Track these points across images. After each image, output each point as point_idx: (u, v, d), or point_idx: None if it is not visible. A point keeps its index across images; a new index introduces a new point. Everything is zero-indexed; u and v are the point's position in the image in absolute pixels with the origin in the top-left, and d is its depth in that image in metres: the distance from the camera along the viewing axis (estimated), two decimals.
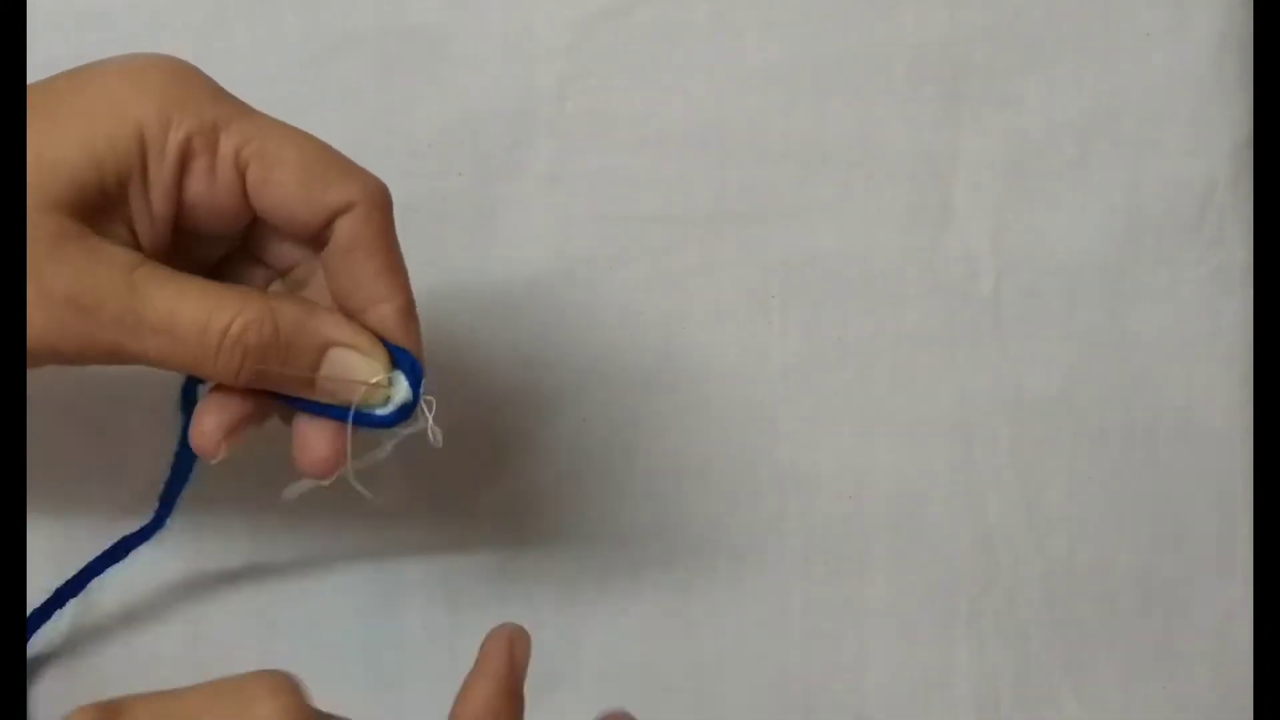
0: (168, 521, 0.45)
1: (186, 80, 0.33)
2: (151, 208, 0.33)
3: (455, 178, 0.50)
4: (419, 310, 0.38)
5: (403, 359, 0.36)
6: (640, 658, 0.51)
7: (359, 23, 0.50)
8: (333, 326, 0.34)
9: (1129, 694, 0.52)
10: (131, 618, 0.49)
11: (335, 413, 0.35)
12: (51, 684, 0.49)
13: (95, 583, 0.48)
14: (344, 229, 0.34)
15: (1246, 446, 0.53)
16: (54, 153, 0.32)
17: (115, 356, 0.33)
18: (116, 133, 0.32)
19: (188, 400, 0.37)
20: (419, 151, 0.50)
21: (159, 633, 0.49)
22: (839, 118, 0.52)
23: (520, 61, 0.51)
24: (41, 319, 0.32)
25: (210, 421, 0.35)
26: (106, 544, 0.47)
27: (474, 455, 0.51)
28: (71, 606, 0.48)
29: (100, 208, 0.33)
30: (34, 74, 0.46)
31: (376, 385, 0.35)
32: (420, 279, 0.50)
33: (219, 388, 0.35)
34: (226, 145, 0.33)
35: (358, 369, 0.35)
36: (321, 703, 0.50)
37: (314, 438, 0.36)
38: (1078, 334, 0.53)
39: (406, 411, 0.36)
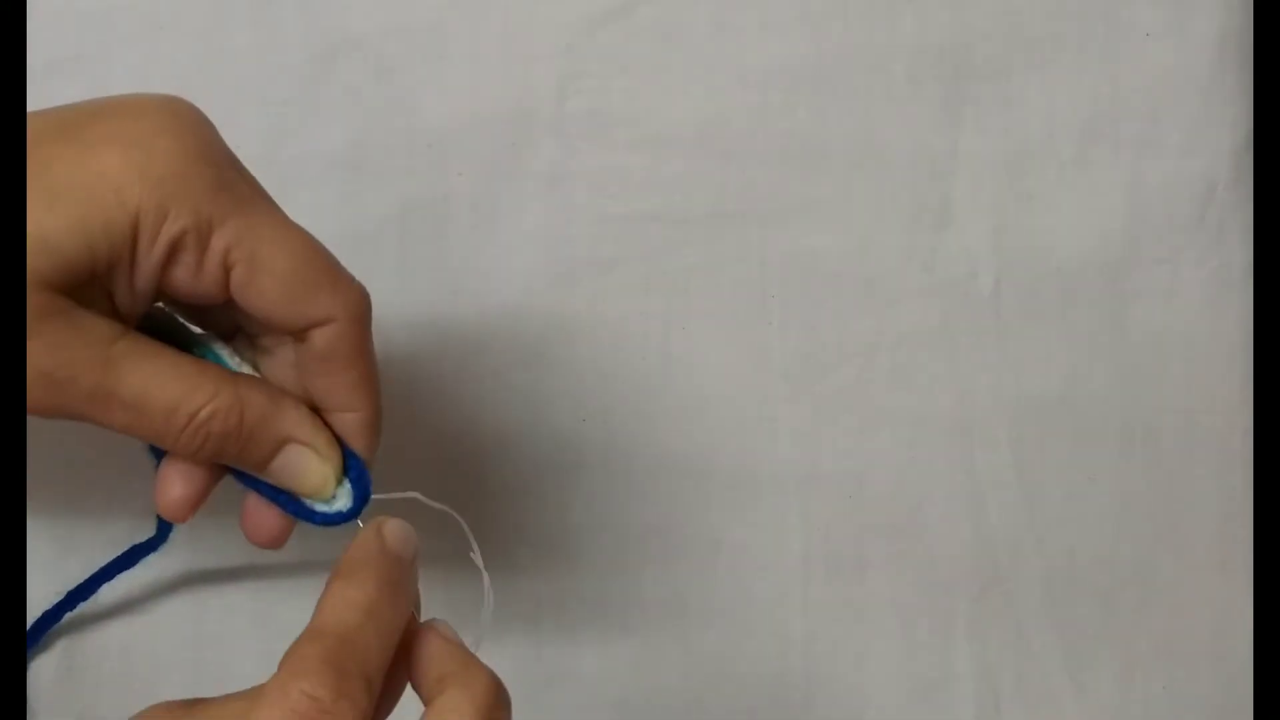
0: (171, 534, 0.45)
1: (194, 161, 0.33)
2: (134, 286, 0.33)
3: (455, 178, 0.50)
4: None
5: (354, 467, 0.36)
6: (640, 658, 0.51)
7: (359, 23, 0.50)
8: (295, 424, 0.35)
9: (1129, 694, 0.52)
10: (131, 617, 0.50)
11: (281, 499, 0.36)
12: (51, 682, 0.49)
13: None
14: (320, 340, 0.35)
15: (1246, 446, 0.53)
16: (47, 231, 0.31)
17: (85, 420, 0.33)
18: (113, 219, 0.32)
19: (156, 451, 0.37)
20: (419, 151, 0.50)
21: (159, 632, 0.49)
22: (839, 118, 0.52)
23: (520, 61, 0.51)
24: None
25: (176, 491, 0.36)
26: (106, 544, 0.47)
27: (474, 455, 0.51)
28: (72, 611, 0.48)
29: (86, 284, 0.33)
30: (34, 74, 0.47)
31: (321, 487, 0.36)
32: (420, 279, 0.50)
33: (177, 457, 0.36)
34: (218, 243, 0.33)
35: (309, 469, 0.35)
36: None
37: (262, 515, 0.37)
38: (1078, 334, 0.53)
39: (346, 517, 0.37)
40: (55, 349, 0.32)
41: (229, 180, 0.34)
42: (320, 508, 0.36)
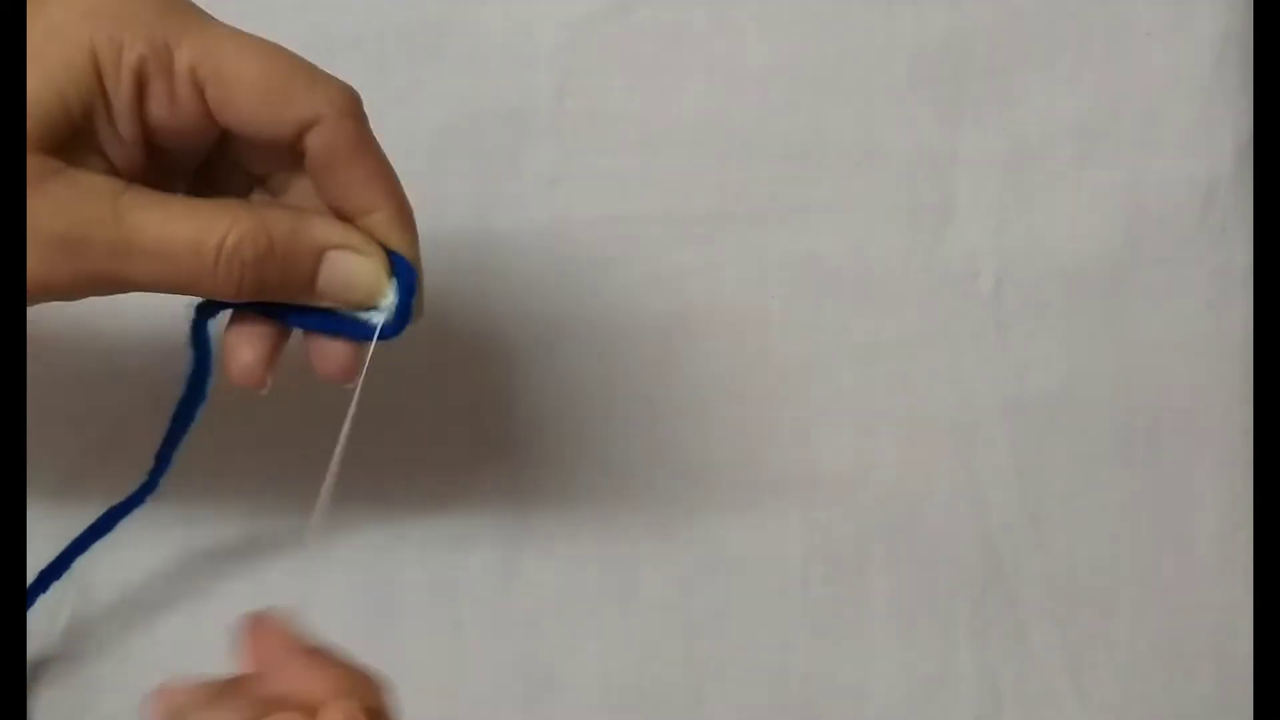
0: (162, 482, 0.44)
1: (130, 2, 0.32)
2: (118, 133, 0.33)
3: (455, 178, 0.50)
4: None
5: (397, 263, 0.35)
6: (640, 658, 0.51)
7: (359, 23, 0.50)
8: (326, 230, 0.34)
9: (1129, 694, 0.52)
10: (132, 617, 0.50)
11: (344, 328, 0.35)
12: (52, 683, 0.49)
13: (93, 571, 0.48)
14: (316, 143, 0.34)
15: (1247, 446, 0.53)
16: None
17: (111, 285, 0.32)
18: (72, 62, 0.31)
19: (199, 338, 0.36)
20: (419, 151, 0.50)
21: (159, 632, 0.49)
22: (839, 118, 0.52)
23: (520, 61, 0.51)
24: (31, 260, 0.31)
25: (248, 354, 0.35)
26: (103, 539, 0.47)
27: (474, 454, 0.51)
28: (70, 600, 0.48)
29: (71, 140, 0.32)
30: None
31: (375, 287, 0.34)
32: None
33: (239, 319, 0.35)
34: (181, 64, 0.32)
35: (356, 269, 0.34)
36: None
37: (332, 348, 0.35)
38: (1078, 334, 0.53)
39: (403, 317, 0.35)
40: (62, 210, 0.31)
41: (176, 4, 0.33)
42: (377, 318, 0.35)
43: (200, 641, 0.50)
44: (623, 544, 0.51)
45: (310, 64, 0.34)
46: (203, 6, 0.48)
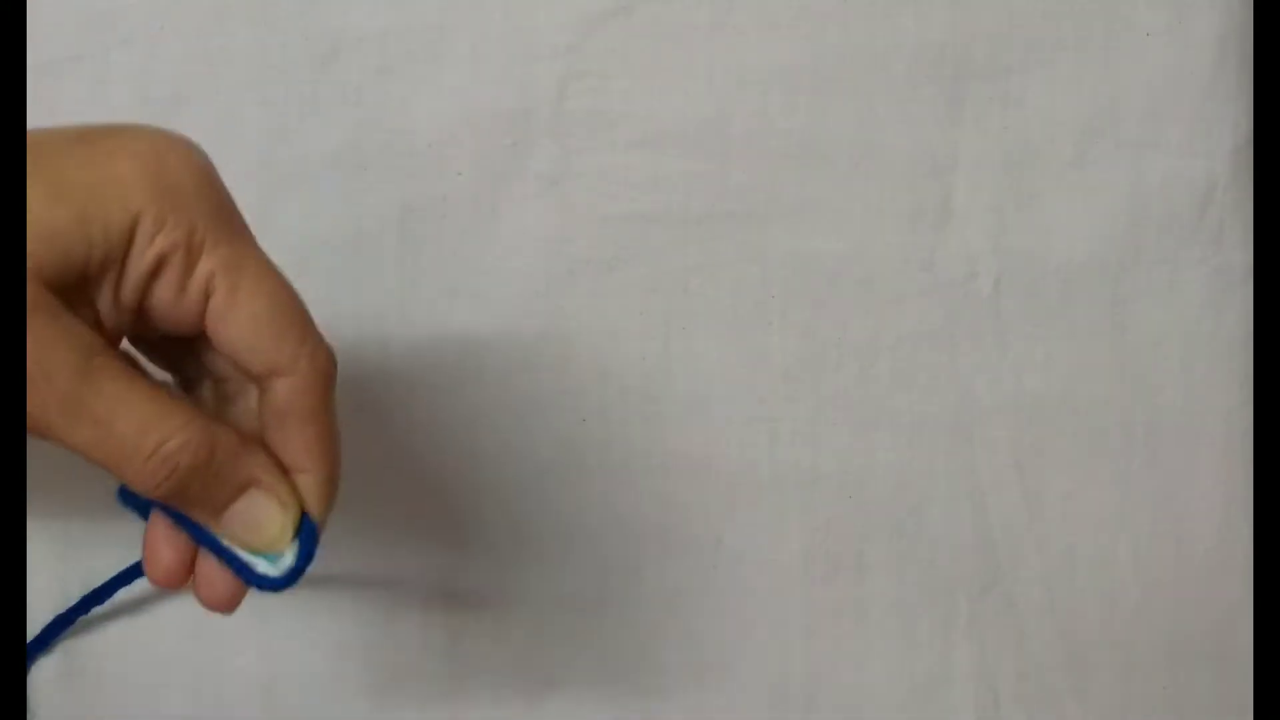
0: None
1: (200, 183, 0.33)
2: (120, 298, 0.33)
3: (455, 178, 0.50)
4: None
5: (305, 527, 0.35)
6: (640, 658, 0.51)
7: (359, 23, 0.50)
8: (262, 468, 0.34)
9: (1129, 694, 0.52)
10: (131, 617, 0.50)
11: (226, 555, 0.35)
12: (52, 683, 0.49)
13: (95, 571, 0.48)
14: (282, 391, 0.34)
15: (1246, 446, 0.53)
16: (50, 222, 0.31)
17: (45, 434, 0.32)
18: (114, 218, 0.32)
19: (128, 501, 0.35)
20: (419, 151, 0.50)
21: (159, 632, 0.49)
22: (839, 118, 0.52)
23: (520, 61, 0.51)
24: None
25: (168, 556, 0.35)
26: (107, 544, 0.47)
27: (473, 455, 0.51)
28: (71, 599, 0.49)
29: (77, 288, 0.32)
30: (34, 74, 0.47)
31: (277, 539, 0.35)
32: (420, 279, 0.50)
33: (157, 519, 0.35)
34: (204, 266, 0.33)
35: (269, 518, 0.34)
36: (321, 700, 0.51)
37: (218, 580, 0.35)
38: (1078, 334, 0.53)
39: (288, 581, 0.35)
40: (37, 345, 0.31)
41: (227, 211, 0.34)
42: (263, 568, 0.35)
43: (201, 641, 0.50)
44: (622, 544, 0.51)
45: (310, 318, 0.35)
46: (212, 10, 0.49)
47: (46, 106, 0.45)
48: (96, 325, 0.33)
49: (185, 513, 0.34)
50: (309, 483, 0.35)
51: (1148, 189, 0.53)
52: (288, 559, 0.35)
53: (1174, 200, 0.53)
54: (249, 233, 0.35)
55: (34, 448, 0.47)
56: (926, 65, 0.52)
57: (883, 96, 0.52)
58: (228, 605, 0.36)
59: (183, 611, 0.49)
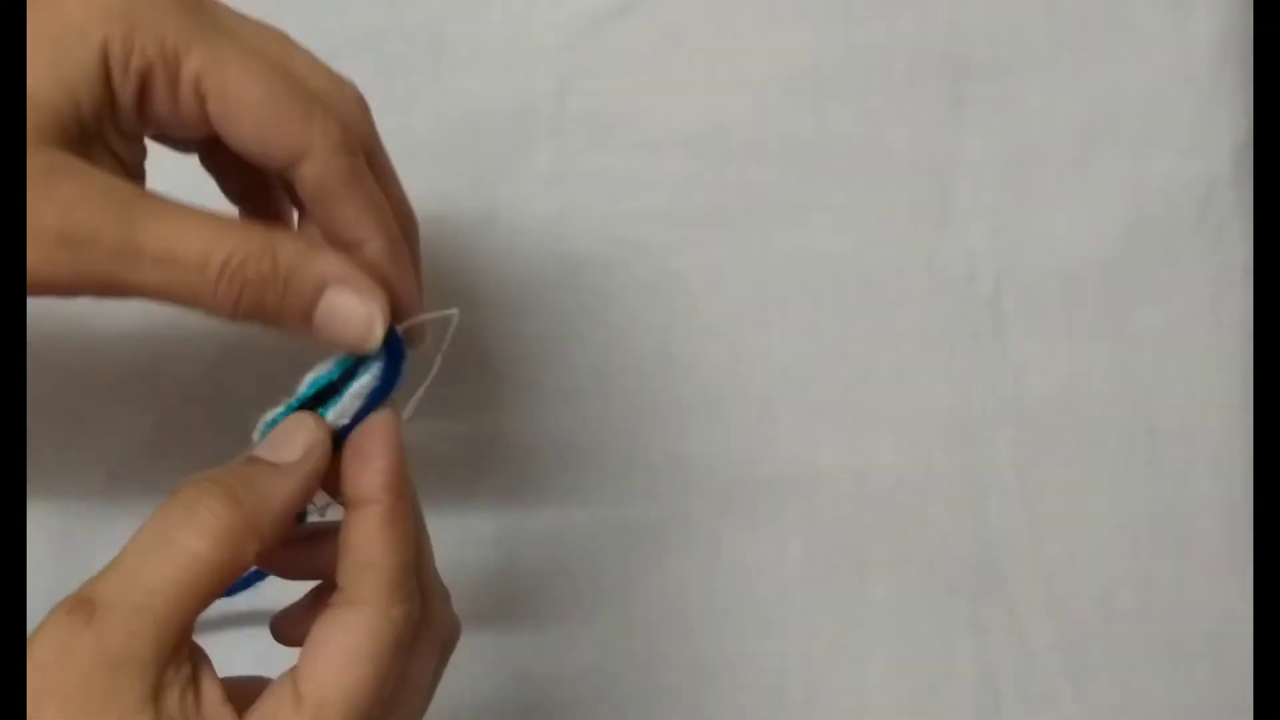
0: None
1: (146, 2, 0.32)
2: (124, 132, 0.33)
3: (455, 178, 0.50)
4: None
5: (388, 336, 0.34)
6: (640, 657, 0.51)
7: (359, 23, 0.50)
8: (333, 265, 0.33)
9: (1129, 694, 0.52)
10: None
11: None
12: None
13: (96, 570, 0.47)
14: (307, 175, 0.33)
15: (1246, 446, 0.53)
16: (33, 84, 0.31)
17: (112, 289, 0.31)
18: (83, 60, 0.31)
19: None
20: (419, 151, 0.50)
21: None
22: (839, 118, 0.52)
23: (520, 61, 0.51)
24: (35, 255, 0.30)
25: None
26: (106, 544, 0.47)
27: (473, 455, 0.51)
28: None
29: (81, 137, 0.32)
30: None
31: (368, 331, 0.33)
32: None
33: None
34: (187, 72, 0.32)
35: (351, 309, 0.33)
36: None
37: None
38: (1078, 334, 0.53)
39: (390, 379, 0.34)
40: (72, 207, 0.30)
41: (194, 5, 0.33)
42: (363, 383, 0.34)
43: (200, 640, 0.50)
44: (622, 544, 0.51)
45: (310, 92, 0.34)
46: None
47: None
48: (118, 166, 0.33)
49: (281, 328, 0.33)
50: (378, 250, 0.34)
51: (1148, 189, 0.53)
52: (375, 369, 0.34)
53: (1174, 200, 0.53)
54: (228, 16, 0.33)
55: (34, 448, 0.47)
56: (927, 66, 0.52)
57: (883, 97, 0.52)
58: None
59: None
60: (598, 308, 0.51)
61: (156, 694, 0.30)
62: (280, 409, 0.34)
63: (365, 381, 0.34)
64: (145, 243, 0.31)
